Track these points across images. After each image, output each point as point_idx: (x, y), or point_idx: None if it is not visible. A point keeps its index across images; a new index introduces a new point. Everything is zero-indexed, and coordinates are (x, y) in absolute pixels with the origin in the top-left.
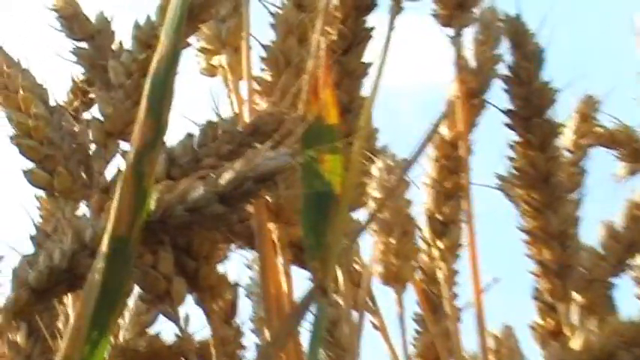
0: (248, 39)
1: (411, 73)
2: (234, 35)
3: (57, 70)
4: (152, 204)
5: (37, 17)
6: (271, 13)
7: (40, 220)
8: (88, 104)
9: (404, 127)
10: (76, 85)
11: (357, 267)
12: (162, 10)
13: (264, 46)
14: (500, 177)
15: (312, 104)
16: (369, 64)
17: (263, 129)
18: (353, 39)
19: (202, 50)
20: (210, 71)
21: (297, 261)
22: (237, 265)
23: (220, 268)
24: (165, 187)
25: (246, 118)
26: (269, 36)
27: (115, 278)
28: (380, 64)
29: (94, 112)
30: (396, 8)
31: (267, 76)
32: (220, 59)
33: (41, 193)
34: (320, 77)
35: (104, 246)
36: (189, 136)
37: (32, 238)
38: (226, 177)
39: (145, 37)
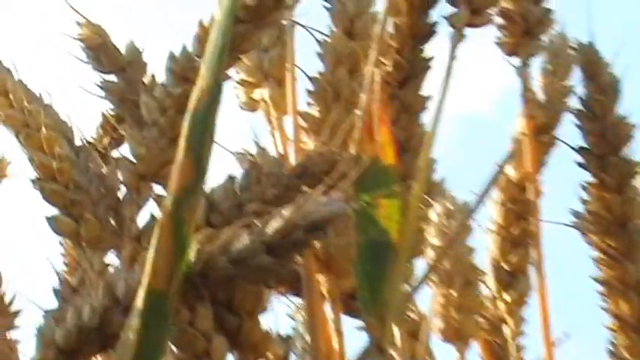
0: (293, 70)
1: (466, 102)
2: (277, 66)
3: (83, 105)
4: (192, 255)
5: (61, 47)
6: (318, 42)
7: (65, 269)
8: (118, 141)
9: (459, 162)
10: (106, 120)
11: (413, 316)
12: (200, 39)
13: (310, 78)
14: (575, 214)
15: (366, 143)
16: (428, 98)
17: (312, 171)
18: (410, 70)
19: (242, 83)
20: (251, 106)
21: (349, 310)
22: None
23: (265, 322)
24: (205, 237)
25: (293, 158)
26: (316, 67)
27: (151, 337)
28: (440, 97)
29: (125, 151)
30: (458, 36)
31: (315, 111)
32: (262, 92)
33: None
34: (374, 113)
35: (139, 302)
36: (231, 178)
37: (56, 291)
38: (274, 225)
39: (181, 69)
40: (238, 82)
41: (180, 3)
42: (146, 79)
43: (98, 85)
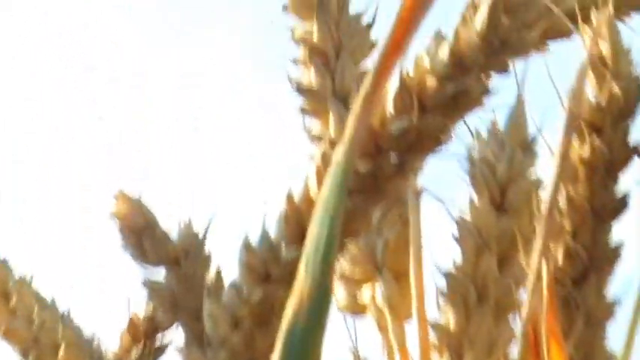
0: (419, 260)
1: None
2: (395, 254)
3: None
4: None
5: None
6: (454, 219)
7: None
8: (155, 354)
9: None
10: (135, 324)
11: None
12: (287, 221)
13: (444, 273)
14: None
15: None
16: (616, 303)
17: None
18: (590, 262)
19: (344, 277)
20: (356, 309)
21: None
22: None
23: None
24: None
25: None
26: (452, 255)
27: None
28: (637, 301)
29: None
30: None
31: (450, 318)
32: (373, 291)
33: None
34: (540, 323)
35: None
36: None
37: None
38: None
39: (261, 263)
40: (338, 277)
41: (181, 3)
42: (209, 277)
43: (142, 284)
